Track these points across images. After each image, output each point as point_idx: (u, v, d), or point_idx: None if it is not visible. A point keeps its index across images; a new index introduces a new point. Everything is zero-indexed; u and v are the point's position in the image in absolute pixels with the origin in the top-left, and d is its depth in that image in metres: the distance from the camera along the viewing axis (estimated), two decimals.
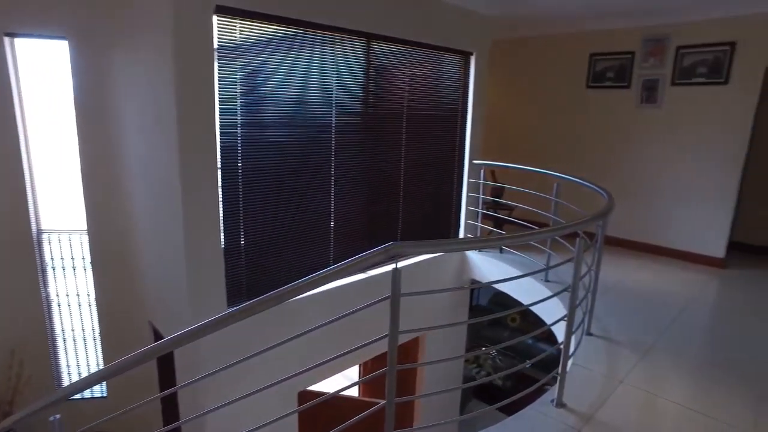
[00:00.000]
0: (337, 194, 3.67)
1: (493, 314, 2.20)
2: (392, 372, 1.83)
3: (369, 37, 3.67)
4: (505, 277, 2.47)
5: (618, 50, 5.03)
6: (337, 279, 1.73)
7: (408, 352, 4.74)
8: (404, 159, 4.15)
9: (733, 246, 5.09)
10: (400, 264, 1.90)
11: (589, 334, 3.09)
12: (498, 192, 4.88)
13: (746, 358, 2.88)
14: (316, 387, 3.76)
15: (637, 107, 4.97)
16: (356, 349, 1.89)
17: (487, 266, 4.61)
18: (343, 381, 4.06)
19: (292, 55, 3.20)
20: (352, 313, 1.82)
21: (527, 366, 2.52)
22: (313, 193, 3.50)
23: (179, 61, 2.62)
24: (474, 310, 6.40)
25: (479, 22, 4.49)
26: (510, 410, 2.40)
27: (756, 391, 2.51)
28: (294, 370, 1.88)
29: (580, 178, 3.47)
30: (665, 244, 4.97)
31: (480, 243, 1.92)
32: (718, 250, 4.66)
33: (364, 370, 4.88)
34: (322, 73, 3.40)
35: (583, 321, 2.97)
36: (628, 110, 5.04)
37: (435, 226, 4.65)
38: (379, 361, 4.05)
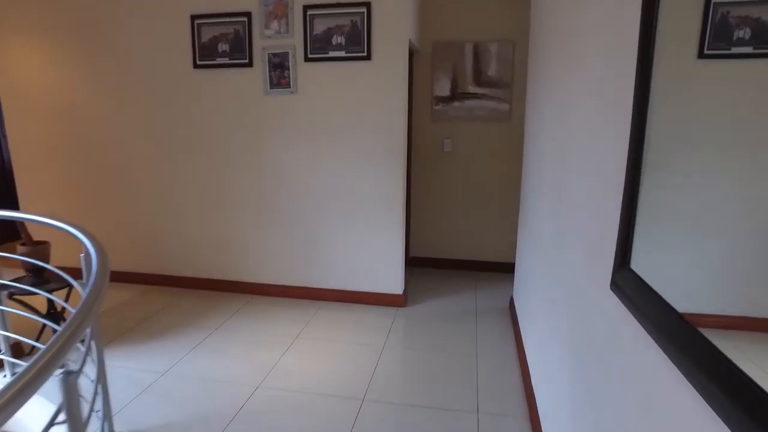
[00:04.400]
0: None
1: None
2: None
3: None
4: None
5: (229, 11, 3.35)
6: None
7: None
8: None
9: (411, 262, 4.11)
10: None
11: None
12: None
13: None
14: None
15: (268, 94, 3.38)
16: None
17: None
18: None
19: None
20: None
21: None
22: None
23: None
24: None
25: None
26: None
27: None
28: None
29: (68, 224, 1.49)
30: (336, 285, 3.54)
31: None
32: (397, 285, 3.46)
33: None
34: None
35: None
36: (256, 99, 3.41)
37: None
38: None
